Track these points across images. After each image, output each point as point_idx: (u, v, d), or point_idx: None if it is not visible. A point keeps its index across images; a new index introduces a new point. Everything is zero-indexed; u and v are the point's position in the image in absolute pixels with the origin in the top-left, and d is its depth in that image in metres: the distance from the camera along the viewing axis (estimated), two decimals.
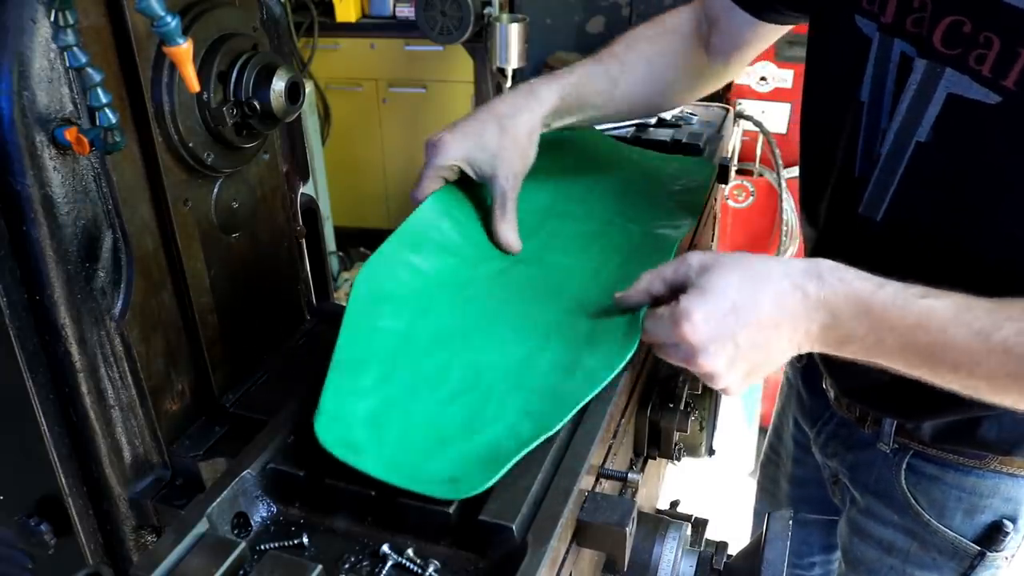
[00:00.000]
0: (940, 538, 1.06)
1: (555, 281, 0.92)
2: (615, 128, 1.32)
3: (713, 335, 0.72)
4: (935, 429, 1.01)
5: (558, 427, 0.70)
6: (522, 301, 0.89)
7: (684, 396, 0.92)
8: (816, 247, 1.06)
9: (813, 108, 1.02)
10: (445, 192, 0.98)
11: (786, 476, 1.36)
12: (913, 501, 1.06)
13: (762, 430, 2.86)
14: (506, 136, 0.94)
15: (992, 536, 1.04)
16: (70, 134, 0.71)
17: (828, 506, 1.24)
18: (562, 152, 1.10)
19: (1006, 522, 1.03)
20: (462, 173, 0.98)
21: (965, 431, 0.98)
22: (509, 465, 0.66)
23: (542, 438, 0.69)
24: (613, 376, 0.76)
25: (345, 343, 0.77)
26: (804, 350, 0.77)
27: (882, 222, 0.91)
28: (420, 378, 0.77)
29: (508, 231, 0.96)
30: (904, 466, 1.05)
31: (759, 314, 0.73)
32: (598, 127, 1.24)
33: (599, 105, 1.06)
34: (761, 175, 2.88)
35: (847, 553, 1.20)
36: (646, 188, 1.12)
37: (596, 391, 0.74)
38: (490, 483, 0.64)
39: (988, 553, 1.04)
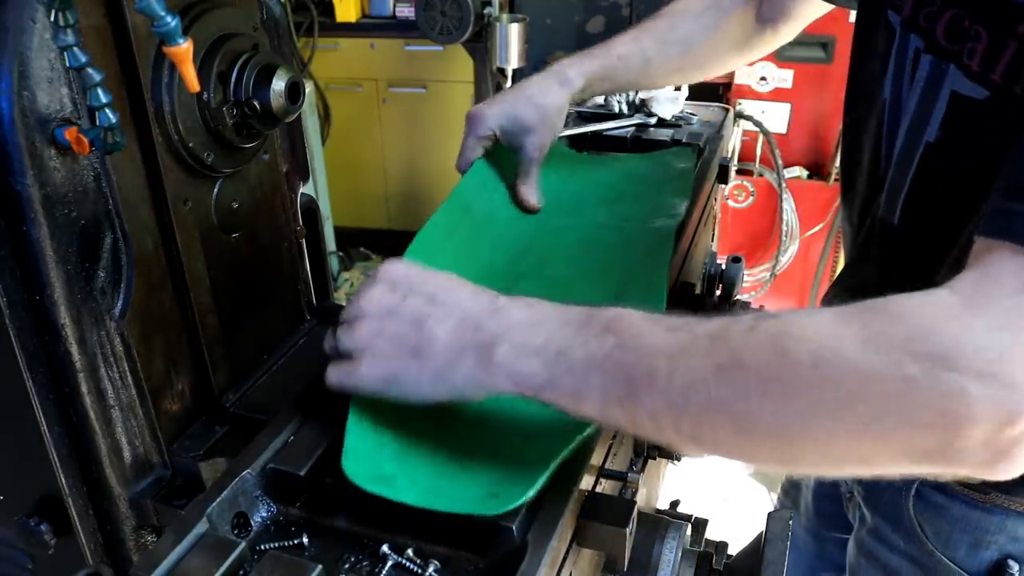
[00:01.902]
0: (943, 569, 1.03)
1: (559, 293, 0.92)
2: (616, 128, 1.32)
3: (375, 299, 0.68)
4: None
5: (591, 428, 0.69)
6: None
7: None
8: (851, 249, 1.05)
9: (849, 104, 1.01)
10: (449, 208, 0.97)
11: (808, 487, 1.35)
12: (919, 529, 1.04)
13: None
14: (536, 111, 1.04)
15: (996, 574, 1.00)
16: (70, 134, 0.71)
17: (847, 523, 1.22)
18: (544, 170, 1.11)
19: (1011, 562, 0.99)
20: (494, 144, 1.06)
21: None
22: (548, 473, 0.64)
23: (576, 442, 0.67)
24: None
25: None
26: (469, 362, 0.64)
27: (899, 226, 0.89)
28: (442, 406, 0.77)
29: (530, 193, 1.05)
30: (913, 492, 1.03)
31: (434, 286, 0.68)
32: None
33: (632, 80, 1.14)
34: (761, 175, 2.88)
35: (853, 573, 1.19)
36: (632, 188, 1.12)
37: None
38: (532, 493, 0.63)
39: None
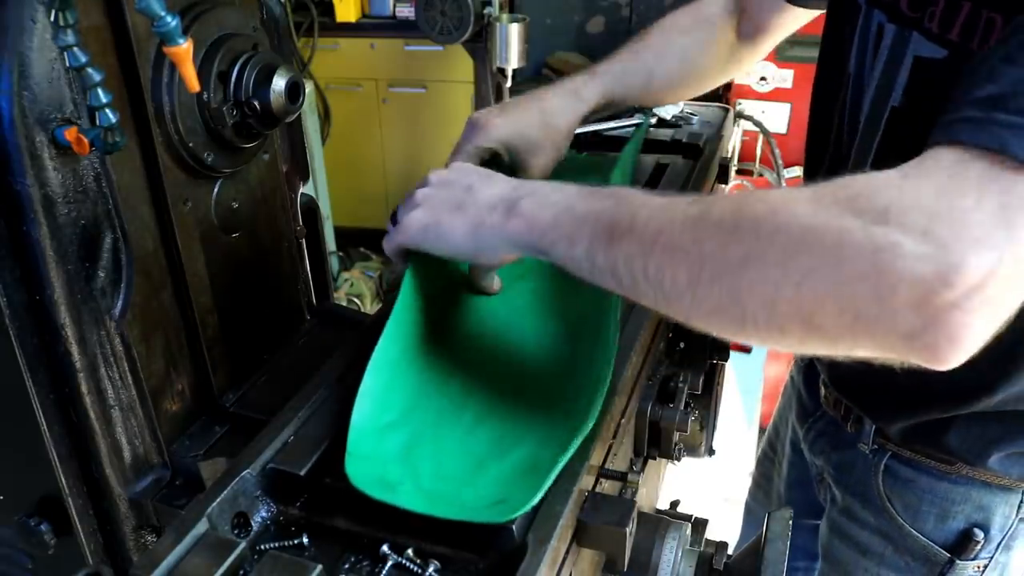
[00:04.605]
0: (912, 542, 1.06)
1: (559, 291, 0.92)
2: (616, 128, 1.32)
3: (438, 172, 0.80)
4: (904, 430, 1.01)
5: (591, 424, 0.69)
6: (531, 314, 0.89)
7: (684, 396, 0.92)
8: None
9: (817, 84, 1.04)
10: None
11: (780, 476, 1.37)
12: (888, 504, 1.06)
13: (762, 430, 2.86)
14: (547, 130, 1.01)
15: (963, 544, 1.03)
16: (70, 134, 0.70)
17: (820, 509, 1.25)
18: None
19: (976, 530, 1.02)
20: (492, 158, 1.00)
21: (931, 435, 0.99)
22: (553, 475, 0.64)
23: (579, 439, 0.67)
24: (612, 354, 0.76)
25: (371, 378, 0.74)
26: (498, 216, 0.73)
27: None
28: (445, 405, 0.76)
29: None
30: (882, 468, 1.06)
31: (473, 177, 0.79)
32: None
33: (635, 97, 1.13)
34: (761, 175, 2.88)
35: (826, 553, 1.20)
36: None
37: (608, 376, 0.74)
38: (537, 497, 0.62)
39: (958, 561, 1.04)
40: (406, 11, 3.32)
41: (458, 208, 0.75)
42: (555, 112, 1.01)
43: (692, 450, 1.06)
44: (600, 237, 0.65)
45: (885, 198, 0.55)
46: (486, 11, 2.86)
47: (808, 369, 1.23)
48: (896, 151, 0.86)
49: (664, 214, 0.63)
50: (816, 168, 1.03)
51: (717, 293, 0.59)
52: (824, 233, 0.54)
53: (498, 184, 0.77)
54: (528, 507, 0.62)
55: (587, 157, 1.25)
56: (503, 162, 0.99)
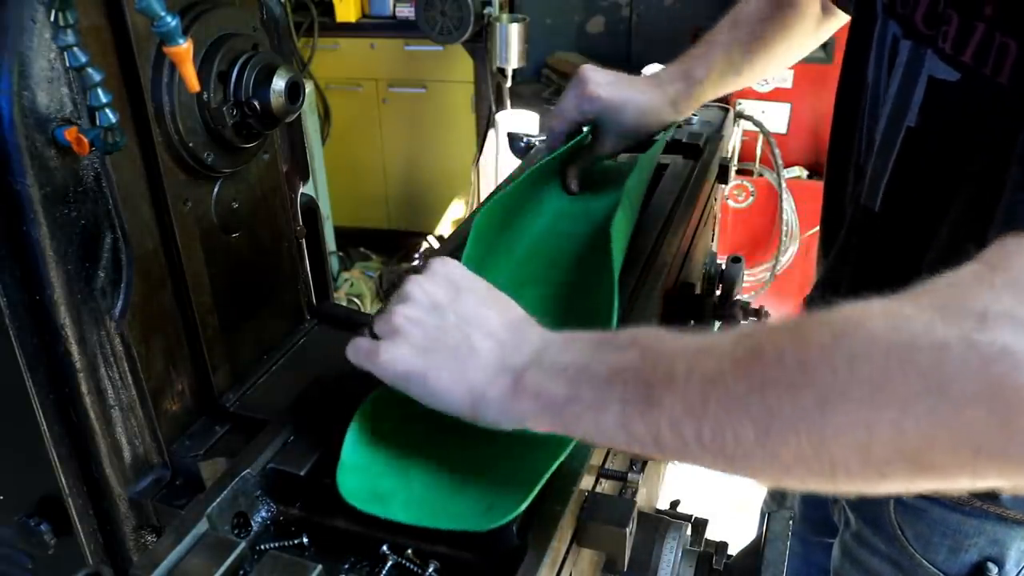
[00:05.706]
0: (924, 573, 1.04)
1: (562, 299, 0.92)
2: None
3: (426, 287, 0.64)
4: None
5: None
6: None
7: None
8: (829, 244, 1.06)
9: (840, 91, 1.03)
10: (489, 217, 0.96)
11: (795, 492, 1.36)
12: (900, 532, 1.05)
13: None
14: (637, 125, 1.08)
15: None
16: (70, 134, 0.70)
17: (833, 528, 1.24)
18: (552, 175, 1.11)
19: (989, 565, 0.99)
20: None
21: None
22: (542, 482, 0.63)
23: (568, 448, 0.67)
24: None
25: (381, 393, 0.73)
26: (504, 380, 0.60)
27: (880, 211, 0.90)
28: (440, 415, 0.76)
29: (572, 179, 1.09)
30: (894, 496, 1.04)
31: (479, 299, 0.65)
32: None
33: (719, 94, 1.18)
34: (761, 175, 2.88)
35: None
36: (639, 189, 1.12)
37: None
38: (525, 504, 0.62)
39: None
40: (406, 11, 3.33)
41: (453, 358, 0.61)
42: (651, 113, 1.07)
43: None
44: (634, 401, 0.53)
45: (979, 299, 0.46)
46: (486, 11, 2.86)
47: None
48: (912, 171, 0.85)
49: (707, 361, 0.52)
50: (837, 178, 1.01)
51: (794, 444, 0.48)
52: (915, 352, 0.45)
53: (499, 333, 0.63)
54: (515, 513, 0.61)
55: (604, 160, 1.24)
56: (589, 128, 1.08)
